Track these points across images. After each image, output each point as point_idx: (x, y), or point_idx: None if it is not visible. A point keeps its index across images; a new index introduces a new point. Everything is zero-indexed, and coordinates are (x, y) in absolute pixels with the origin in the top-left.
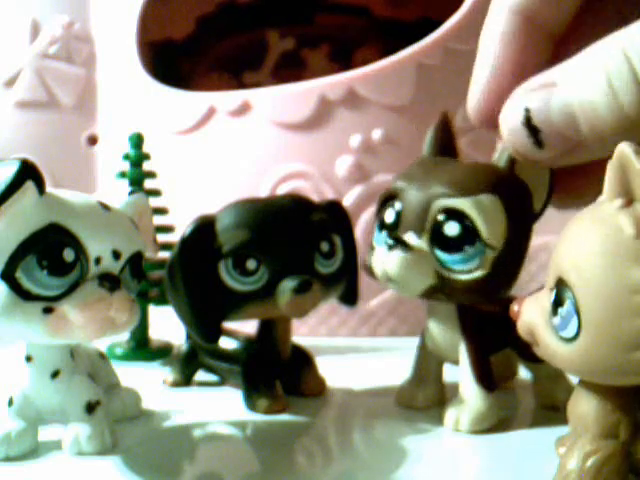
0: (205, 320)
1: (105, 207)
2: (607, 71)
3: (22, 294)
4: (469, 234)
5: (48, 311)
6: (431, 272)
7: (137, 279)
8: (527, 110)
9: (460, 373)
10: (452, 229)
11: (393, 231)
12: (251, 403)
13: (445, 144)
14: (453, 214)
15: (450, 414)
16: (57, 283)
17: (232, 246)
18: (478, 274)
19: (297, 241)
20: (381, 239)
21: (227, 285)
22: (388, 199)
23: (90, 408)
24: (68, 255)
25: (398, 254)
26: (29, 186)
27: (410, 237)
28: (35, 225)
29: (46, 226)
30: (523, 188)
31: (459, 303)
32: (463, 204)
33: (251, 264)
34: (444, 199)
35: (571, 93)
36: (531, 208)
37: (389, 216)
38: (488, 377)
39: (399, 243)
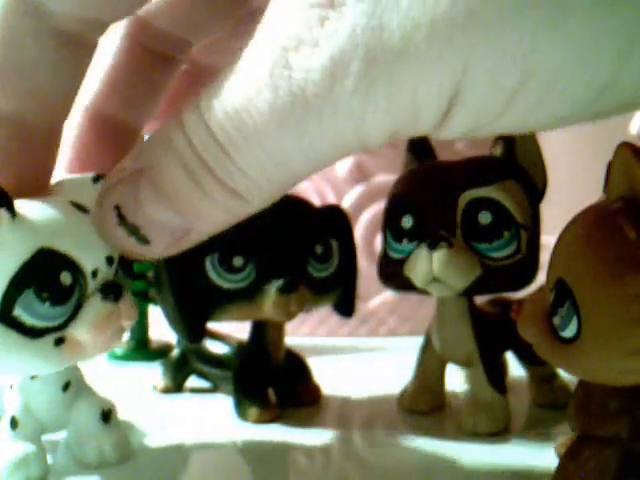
0: (189, 318)
1: (81, 208)
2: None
3: (28, 332)
4: (504, 219)
5: (60, 342)
6: (476, 264)
7: (129, 275)
8: (117, 208)
9: (473, 375)
10: (485, 218)
11: (415, 236)
12: (241, 411)
13: (423, 146)
14: (483, 203)
15: (467, 416)
16: (61, 311)
17: (219, 242)
18: (519, 257)
19: (288, 241)
20: (402, 249)
21: (213, 282)
22: (399, 208)
23: (105, 417)
24: (66, 278)
25: (444, 251)
26: (2, 215)
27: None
28: (23, 255)
29: (35, 253)
30: (525, 171)
31: (471, 305)
32: (490, 191)
33: (238, 261)
34: (470, 191)
35: (157, 177)
36: (536, 188)
37: (406, 222)
38: (501, 379)
39: (442, 239)
